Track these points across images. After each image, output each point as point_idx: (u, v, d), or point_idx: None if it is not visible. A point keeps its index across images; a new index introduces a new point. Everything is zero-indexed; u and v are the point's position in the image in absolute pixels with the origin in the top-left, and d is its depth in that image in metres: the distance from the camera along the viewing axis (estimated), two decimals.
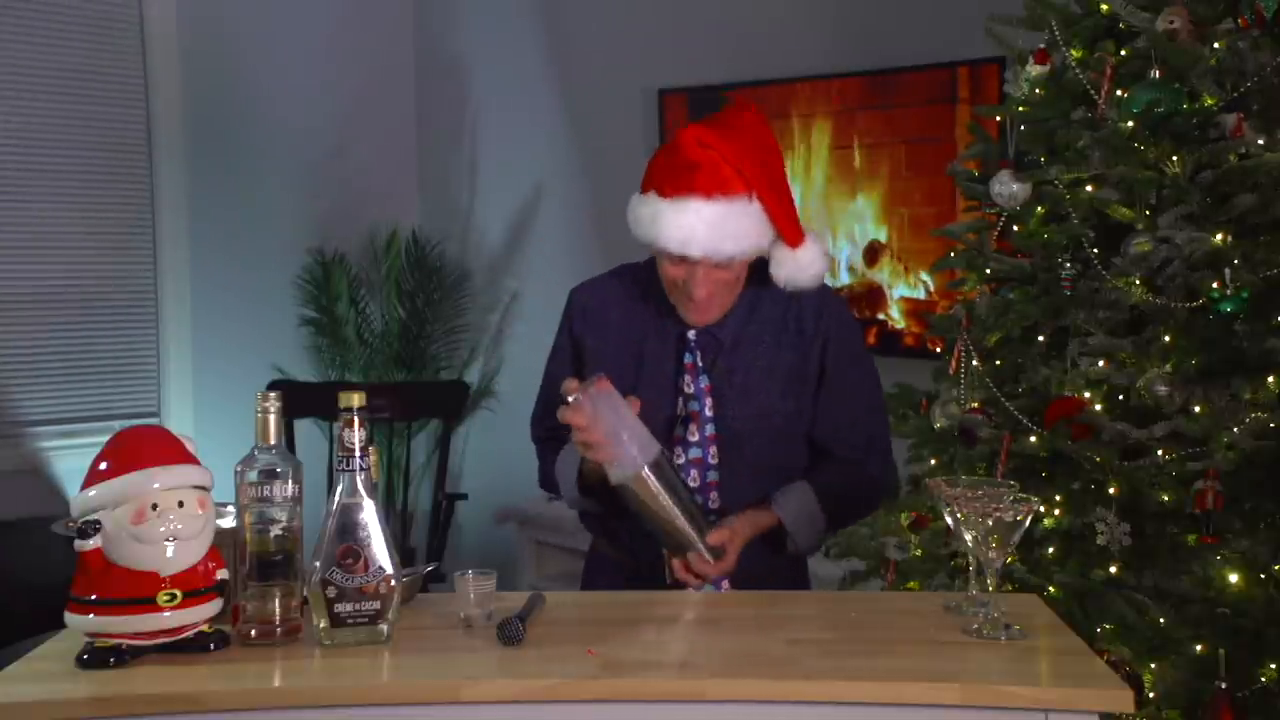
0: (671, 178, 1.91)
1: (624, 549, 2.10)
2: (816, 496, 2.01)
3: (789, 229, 1.98)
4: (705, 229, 1.88)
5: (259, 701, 1.46)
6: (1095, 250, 2.33)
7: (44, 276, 4.36)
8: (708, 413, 2.03)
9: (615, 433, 1.82)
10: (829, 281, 2.19)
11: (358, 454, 1.58)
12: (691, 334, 2.04)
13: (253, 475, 1.59)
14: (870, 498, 2.15)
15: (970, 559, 1.70)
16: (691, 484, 2.01)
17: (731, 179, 1.90)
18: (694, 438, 2.02)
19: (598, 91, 4.64)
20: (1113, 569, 2.17)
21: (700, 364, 2.04)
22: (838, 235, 3.93)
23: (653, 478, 1.82)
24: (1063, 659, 1.55)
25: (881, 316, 3.84)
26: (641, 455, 1.82)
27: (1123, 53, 2.37)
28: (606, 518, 2.07)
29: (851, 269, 3.91)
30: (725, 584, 2.00)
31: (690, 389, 2.04)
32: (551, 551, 4.44)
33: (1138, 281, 2.26)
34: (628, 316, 2.09)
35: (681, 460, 2.02)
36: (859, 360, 2.11)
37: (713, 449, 2.02)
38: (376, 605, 1.57)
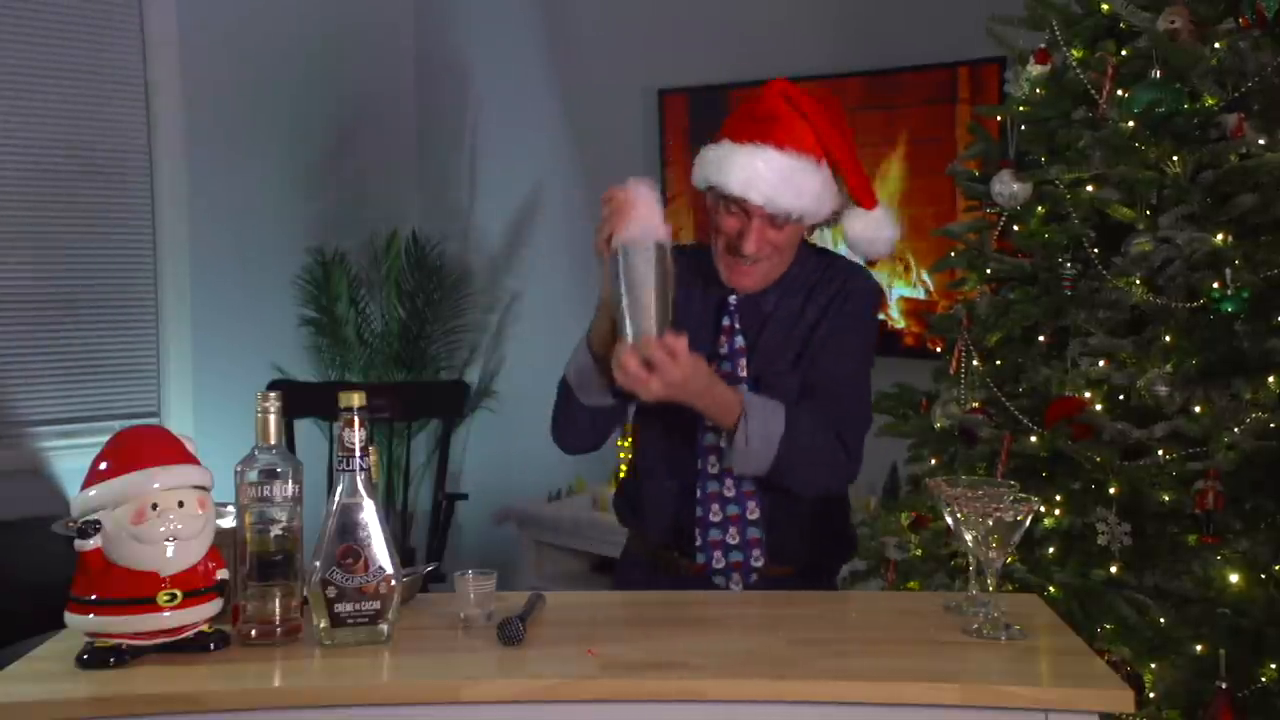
0: (748, 126, 1.94)
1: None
2: (785, 418, 1.92)
3: (864, 193, 2.02)
4: (772, 176, 1.90)
5: (259, 701, 1.46)
6: (1096, 250, 2.33)
7: (44, 277, 4.36)
8: (740, 373, 2.02)
9: (640, 211, 1.84)
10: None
11: (358, 454, 1.58)
12: (733, 299, 2.05)
13: (253, 475, 1.59)
14: (832, 459, 1.98)
15: (970, 559, 1.69)
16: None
17: (807, 137, 1.93)
18: None
19: (598, 91, 4.64)
20: (1113, 569, 2.17)
21: (737, 326, 2.04)
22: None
23: (650, 253, 1.82)
24: (1063, 659, 1.55)
25: (881, 316, 3.84)
26: (653, 234, 1.84)
27: (1123, 53, 2.37)
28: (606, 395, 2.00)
29: None
30: (756, 566, 1.98)
31: (725, 349, 2.04)
32: (551, 551, 4.44)
33: (1138, 281, 2.26)
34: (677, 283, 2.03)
35: (711, 423, 1.99)
36: (861, 327, 2.06)
37: None
38: (376, 605, 1.57)
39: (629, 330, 1.83)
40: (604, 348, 1.93)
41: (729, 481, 2.01)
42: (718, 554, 2.01)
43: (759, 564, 2.01)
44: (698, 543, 2.02)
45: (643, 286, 1.82)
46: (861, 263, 2.17)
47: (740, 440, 1.90)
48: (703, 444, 2.03)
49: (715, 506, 2.02)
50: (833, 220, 2.04)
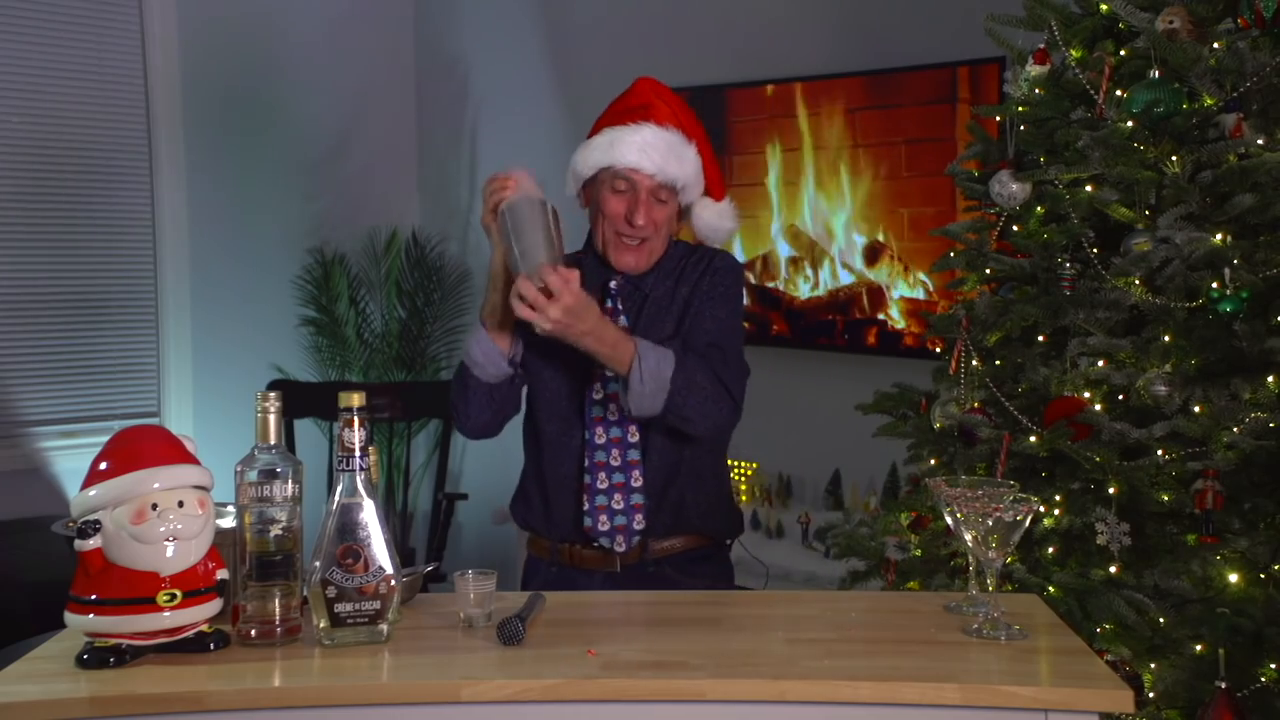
0: (626, 114, 2.18)
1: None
2: (675, 359, 2.05)
3: (716, 183, 2.25)
4: (661, 145, 2.13)
5: (259, 701, 1.46)
6: (1095, 250, 2.33)
7: (44, 277, 4.37)
8: None
9: (520, 184, 2.05)
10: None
11: (358, 454, 1.58)
12: (613, 283, 2.22)
13: (253, 475, 1.59)
14: (718, 399, 2.10)
15: (970, 559, 1.70)
16: (613, 461, 2.17)
17: (676, 120, 2.18)
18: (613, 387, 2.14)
19: (598, 91, 4.62)
20: (1113, 569, 2.17)
21: (620, 308, 2.20)
22: (837, 235, 3.93)
23: (534, 205, 1.98)
24: (1063, 659, 1.55)
25: (881, 316, 3.84)
26: (539, 194, 2.03)
27: (1122, 53, 2.37)
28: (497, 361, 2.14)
29: (851, 269, 3.91)
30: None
31: None
32: None
33: (1137, 281, 2.26)
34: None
35: (600, 396, 2.17)
36: (729, 296, 2.21)
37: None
38: (376, 605, 1.57)
39: (523, 266, 1.95)
40: (494, 320, 2.11)
41: (615, 451, 2.17)
42: (603, 518, 2.17)
43: (639, 528, 2.16)
44: (585, 507, 2.17)
45: (532, 230, 1.96)
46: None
47: (635, 380, 2.03)
48: (590, 416, 2.18)
49: (602, 474, 2.18)
50: (684, 214, 2.23)
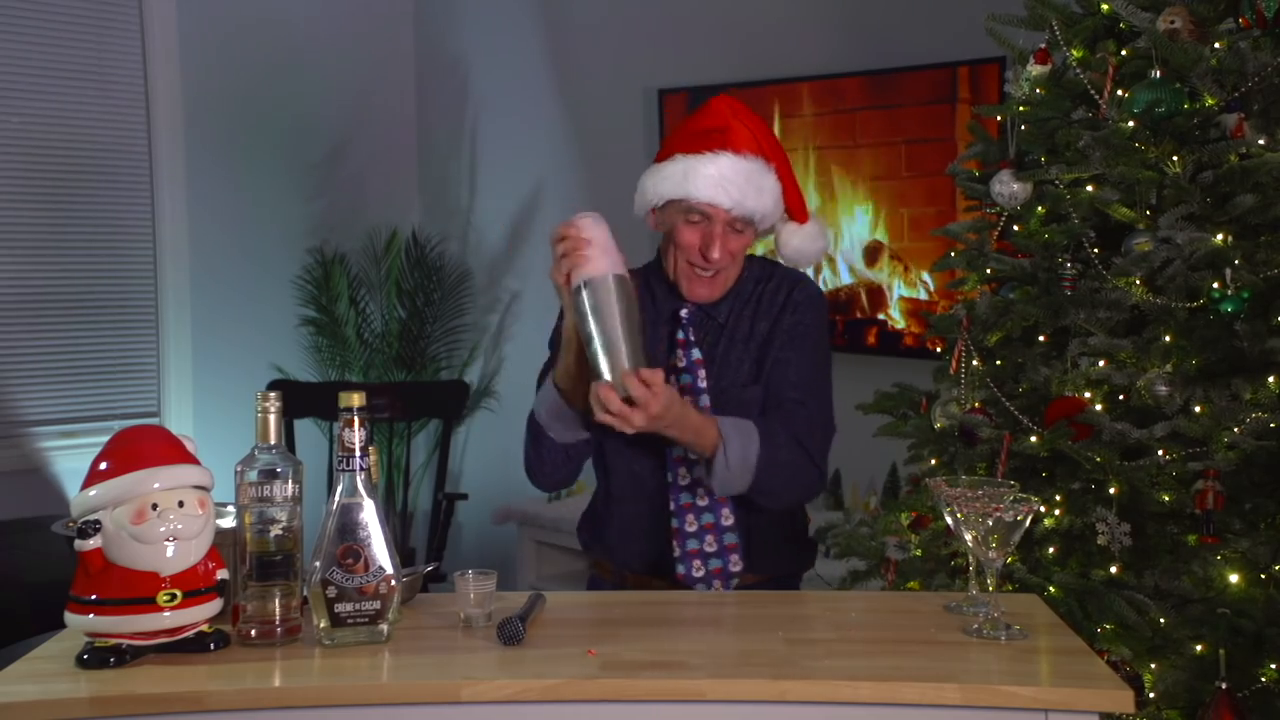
0: (702, 138, 2.00)
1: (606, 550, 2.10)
2: (759, 435, 1.96)
3: (798, 205, 2.09)
4: (737, 178, 1.97)
5: (259, 701, 1.46)
6: (1095, 250, 2.32)
7: (45, 277, 4.37)
8: (700, 384, 2.05)
9: (596, 245, 1.87)
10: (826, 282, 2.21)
11: (358, 454, 1.58)
12: (684, 311, 2.09)
13: (253, 475, 1.59)
14: (804, 473, 2.03)
15: (970, 559, 1.70)
16: (682, 478, 2.04)
17: (756, 145, 2.01)
18: None
19: (598, 91, 4.64)
20: (1113, 569, 2.17)
21: (692, 339, 2.08)
22: (838, 235, 3.93)
23: (615, 287, 1.85)
24: (1063, 659, 1.55)
25: (881, 316, 3.84)
26: (613, 266, 1.87)
27: (1123, 53, 2.37)
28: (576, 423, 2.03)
29: (851, 269, 3.91)
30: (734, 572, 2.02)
31: (682, 363, 2.07)
32: (551, 551, 4.44)
33: (1138, 281, 2.25)
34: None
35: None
36: (814, 336, 2.11)
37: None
38: (376, 605, 1.57)
39: (604, 366, 1.83)
40: (569, 384, 1.98)
41: (700, 490, 2.04)
42: (696, 562, 2.04)
43: (737, 569, 2.04)
44: (676, 553, 2.04)
45: (611, 321, 1.83)
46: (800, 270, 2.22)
47: (721, 465, 1.93)
48: (671, 457, 2.06)
49: (690, 517, 2.05)
50: (767, 231, 2.11)
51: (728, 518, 2.04)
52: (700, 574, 2.04)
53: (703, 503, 2.05)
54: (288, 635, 1.59)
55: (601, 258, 1.86)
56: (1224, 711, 1.98)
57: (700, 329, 2.10)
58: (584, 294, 1.85)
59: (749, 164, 1.98)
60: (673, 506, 2.06)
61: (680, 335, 2.08)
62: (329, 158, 4.98)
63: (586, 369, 1.89)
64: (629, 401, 1.81)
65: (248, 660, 1.54)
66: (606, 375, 1.83)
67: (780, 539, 2.14)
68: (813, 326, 2.10)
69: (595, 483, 2.22)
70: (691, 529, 2.05)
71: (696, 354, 2.07)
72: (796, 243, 2.11)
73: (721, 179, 1.96)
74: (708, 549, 2.04)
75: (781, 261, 2.17)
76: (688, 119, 2.10)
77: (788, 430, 2.00)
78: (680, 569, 2.04)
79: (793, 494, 2.06)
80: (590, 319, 1.84)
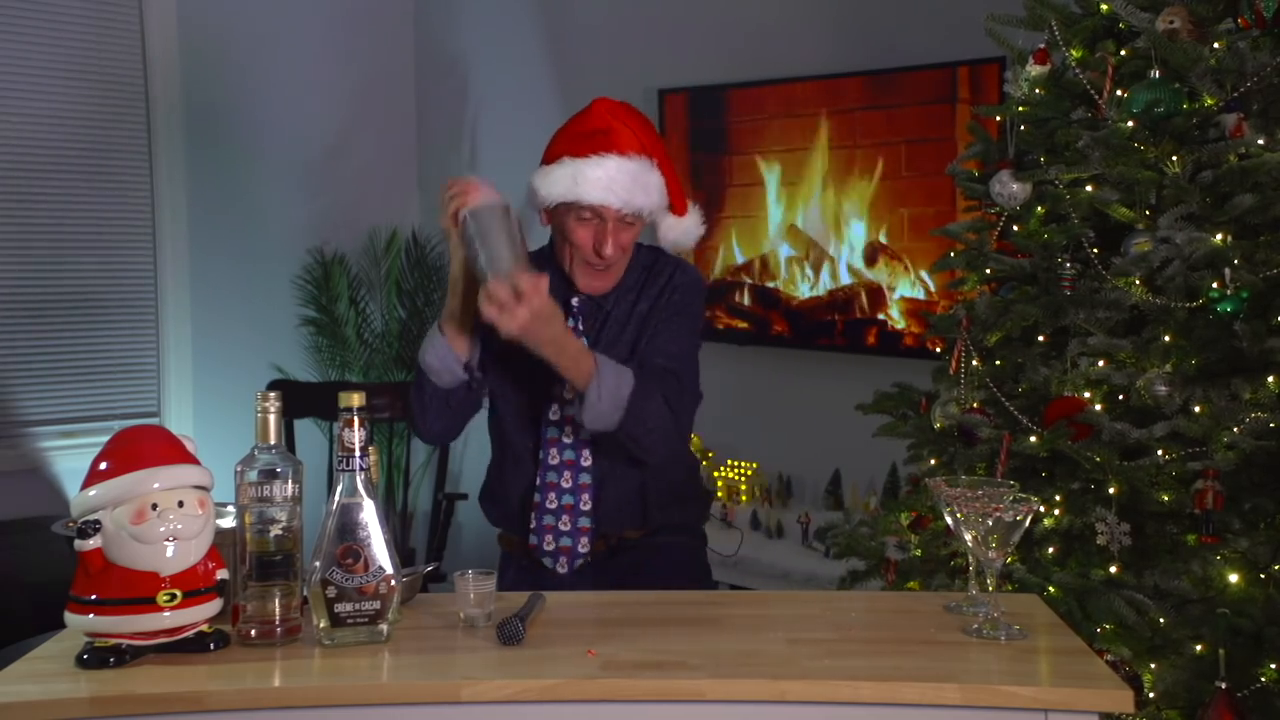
0: (586, 142, 2.11)
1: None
2: (633, 378, 2.04)
3: (679, 197, 2.21)
4: (624, 179, 2.07)
5: (259, 701, 1.46)
6: (1095, 250, 2.33)
7: (44, 277, 4.37)
8: None
9: (482, 190, 1.99)
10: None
11: (358, 454, 1.58)
12: (576, 300, 2.19)
13: (253, 475, 1.59)
14: (666, 430, 2.11)
15: (970, 559, 1.70)
16: (564, 484, 2.20)
17: (638, 144, 2.12)
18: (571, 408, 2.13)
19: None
20: (1113, 569, 2.17)
21: (580, 328, 2.18)
22: (838, 235, 3.93)
23: (500, 212, 1.94)
24: (1063, 659, 1.55)
25: (881, 316, 3.84)
26: (502, 200, 1.99)
27: (1123, 53, 2.37)
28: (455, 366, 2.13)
29: (851, 269, 3.91)
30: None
31: None
32: None
33: (1138, 281, 2.26)
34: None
35: (556, 417, 2.18)
36: (689, 314, 2.21)
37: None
38: (376, 605, 1.57)
39: (492, 272, 1.92)
40: (454, 327, 2.08)
41: (566, 474, 2.18)
42: (549, 537, 2.20)
43: (584, 550, 2.18)
44: (531, 525, 2.20)
45: (498, 236, 1.92)
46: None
47: (593, 395, 2.02)
48: (545, 436, 2.20)
49: (552, 495, 2.20)
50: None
51: (586, 503, 2.18)
52: (550, 548, 2.19)
53: (566, 485, 2.18)
54: (288, 635, 1.59)
55: (487, 195, 1.98)
56: (1223, 711, 1.98)
57: (590, 318, 2.21)
58: (470, 222, 1.93)
59: (634, 164, 2.08)
60: (539, 482, 2.20)
61: (571, 324, 2.17)
62: (329, 158, 4.98)
63: (472, 311, 1.99)
64: (517, 296, 1.89)
65: (248, 660, 1.54)
66: (496, 276, 1.92)
67: (666, 498, 2.24)
68: (689, 306, 2.21)
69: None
70: (551, 506, 2.19)
71: (584, 342, 2.16)
72: (675, 236, 2.22)
73: (609, 181, 2.06)
74: (561, 528, 2.19)
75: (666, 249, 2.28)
76: (571, 121, 2.20)
77: (658, 387, 2.10)
78: (533, 539, 2.20)
79: (656, 445, 2.11)
80: (477, 240, 1.93)
